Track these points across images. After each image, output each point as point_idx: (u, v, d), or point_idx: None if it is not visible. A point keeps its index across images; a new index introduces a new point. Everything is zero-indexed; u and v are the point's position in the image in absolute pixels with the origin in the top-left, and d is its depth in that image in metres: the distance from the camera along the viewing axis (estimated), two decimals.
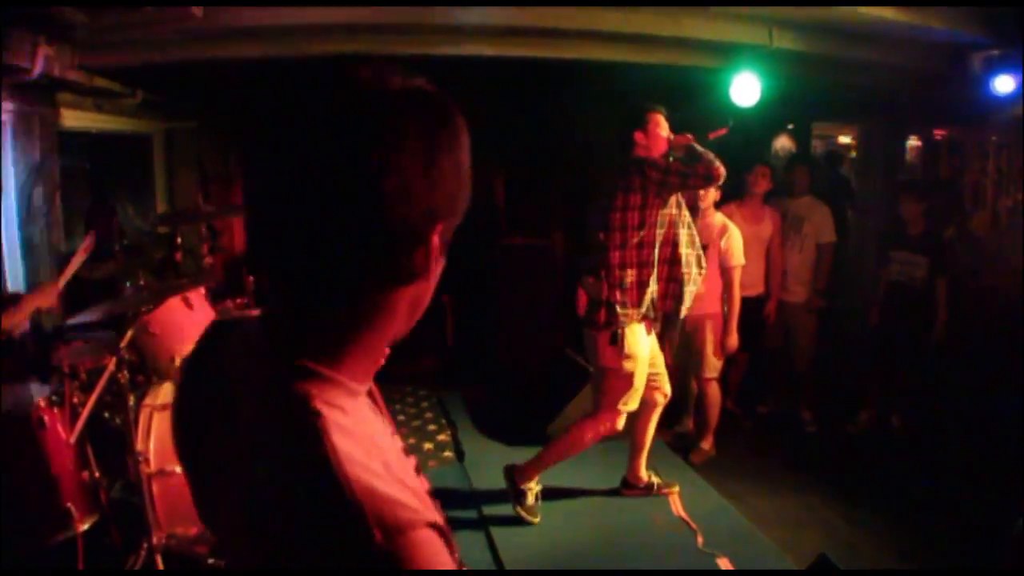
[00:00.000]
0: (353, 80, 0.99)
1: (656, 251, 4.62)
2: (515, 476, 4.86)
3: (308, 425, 0.95)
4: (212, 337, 1.20)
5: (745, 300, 6.00)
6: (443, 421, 6.67)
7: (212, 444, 1.11)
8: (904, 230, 6.31)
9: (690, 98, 6.68)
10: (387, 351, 1.10)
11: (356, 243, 0.97)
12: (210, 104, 7.67)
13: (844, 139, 11.00)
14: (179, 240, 5.00)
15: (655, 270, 4.64)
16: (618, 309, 4.59)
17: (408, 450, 1.12)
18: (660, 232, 4.61)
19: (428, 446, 6.18)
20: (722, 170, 4.55)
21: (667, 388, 5.07)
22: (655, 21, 5.36)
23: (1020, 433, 5.20)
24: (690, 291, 4.76)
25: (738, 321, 5.73)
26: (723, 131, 4.85)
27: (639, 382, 4.74)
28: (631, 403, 4.78)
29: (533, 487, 4.87)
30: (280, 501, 0.96)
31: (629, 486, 5.28)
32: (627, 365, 4.66)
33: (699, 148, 4.61)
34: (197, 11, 4.56)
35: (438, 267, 1.07)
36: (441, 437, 6.35)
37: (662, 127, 4.72)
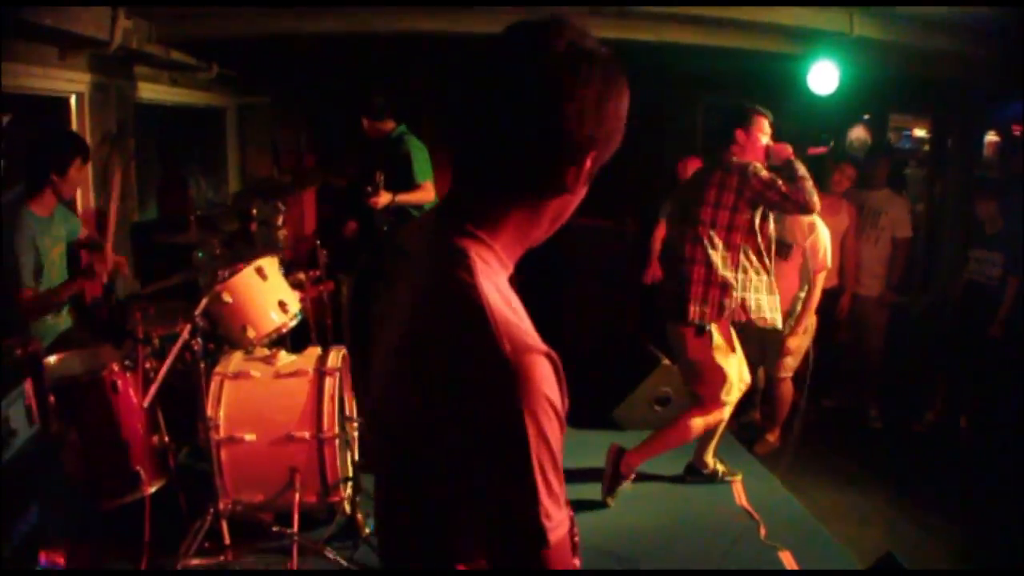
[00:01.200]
0: (561, 33, 1.22)
1: (741, 255, 4.54)
2: (620, 463, 4.81)
3: (462, 265, 1.22)
4: (390, 234, 1.58)
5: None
6: None
7: (389, 289, 1.41)
8: (981, 228, 6.16)
9: (767, 87, 6.59)
10: (529, 245, 1.37)
11: (534, 149, 1.23)
12: (283, 81, 7.73)
13: (920, 132, 10.75)
14: (255, 211, 5.04)
15: (735, 274, 4.54)
16: (701, 307, 4.54)
17: None
18: (747, 236, 4.53)
19: None
20: (818, 205, 4.47)
21: (747, 376, 4.95)
22: (735, 7, 5.28)
23: None
24: (757, 299, 4.63)
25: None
26: (824, 149, 4.77)
27: (732, 373, 4.69)
28: (732, 394, 4.75)
29: (630, 480, 4.85)
30: (436, 319, 1.21)
31: (694, 472, 5.22)
32: (717, 356, 4.62)
33: (799, 168, 4.50)
34: None
35: (583, 189, 1.33)
36: None
37: (764, 132, 4.65)
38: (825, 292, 5.97)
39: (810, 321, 5.60)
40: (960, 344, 6.25)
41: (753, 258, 4.56)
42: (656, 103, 7.74)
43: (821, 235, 5.45)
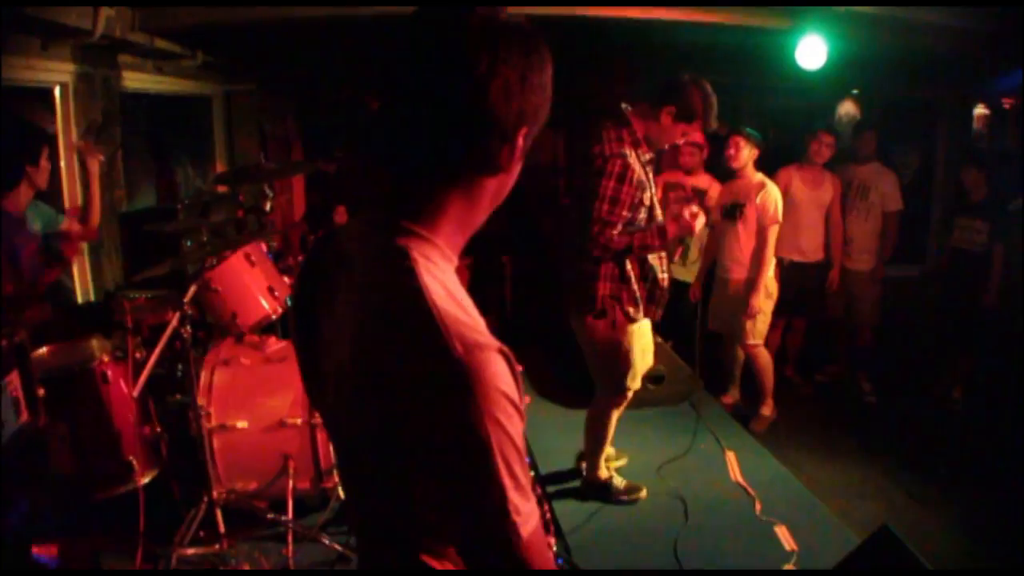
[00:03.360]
0: (473, 11, 1.22)
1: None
2: (588, 477, 4.72)
3: (405, 266, 1.20)
4: (328, 232, 1.48)
5: (804, 266, 5.94)
6: None
7: (328, 299, 1.36)
8: (967, 197, 6.23)
9: (753, 61, 6.57)
10: (470, 232, 1.35)
11: (463, 132, 1.23)
12: (268, 67, 7.69)
13: None
14: (242, 198, 5.01)
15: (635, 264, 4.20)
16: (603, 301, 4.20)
17: None
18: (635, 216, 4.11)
19: None
20: (598, 253, 4.05)
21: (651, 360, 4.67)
22: None
23: None
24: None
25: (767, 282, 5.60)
26: None
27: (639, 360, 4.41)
28: (636, 381, 4.49)
29: (610, 472, 4.74)
30: (381, 324, 1.20)
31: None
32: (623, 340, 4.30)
33: (664, 241, 4.11)
34: None
35: (518, 166, 1.33)
36: None
37: (688, 133, 4.23)
38: (811, 266, 6.01)
39: (772, 285, 5.63)
40: (951, 313, 6.30)
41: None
42: (644, 81, 7.72)
43: (771, 191, 5.51)
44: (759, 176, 5.61)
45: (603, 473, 4.72)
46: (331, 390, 1.36)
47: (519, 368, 1.19)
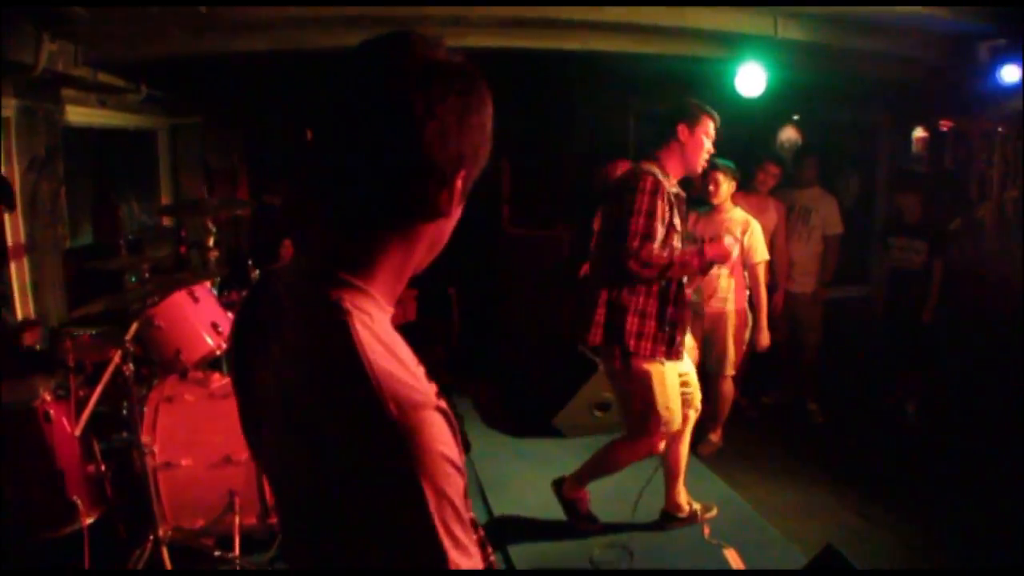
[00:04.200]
0: (409, 50, 1.18)
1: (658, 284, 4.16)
2: (563, 490, 4.66)
3: (338, 320, 1.15)
4: (263, 277, 1.42)
5: (750, 290, 6.01)
6: None
7: (263, 348, 1.29)
8: (902, 218, 6.39)
9: (694, 89, 6.67)
10: (408, 278, 1.31)
11: (398, 177, 1.18)
12: (214, 100, 7.66)
13: None
14: (184, 234, 4.99)
15: (657, 304, 4.16)
16: (632, 340, 4.14)
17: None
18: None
19: None
20: (645, 281, 4.07)
21: (698, 402, 4.65)
22: (660, 12, 5.35)
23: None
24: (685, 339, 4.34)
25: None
26: None
27: (671, 403, 4.27)
28: (671, 425, 4.29)
29: (584, 497, 4.67)
30: (313, 382, 1.15)
31: (670, 518, 4.76)
32: (655, 388, 4.20)
33: (703, 262, 4.10)
34: (203, 10, 4.55)
35: (458, 210, 1.28)
36: None
37: (709, 135, 4.22)
38: None
39: (748, 315, 5.72)
40: (895, 330, 6.42)
41: (672, 288, 4.18)
42: (587, 111, 7.81)
43: (756, 230, 5.59)
44: (739, 212, 5.67)
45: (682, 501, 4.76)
46: (265, 439, 1.32)
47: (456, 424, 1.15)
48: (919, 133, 8.81)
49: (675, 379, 4.31)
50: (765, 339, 5.71)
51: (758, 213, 6.10)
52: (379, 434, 1.06)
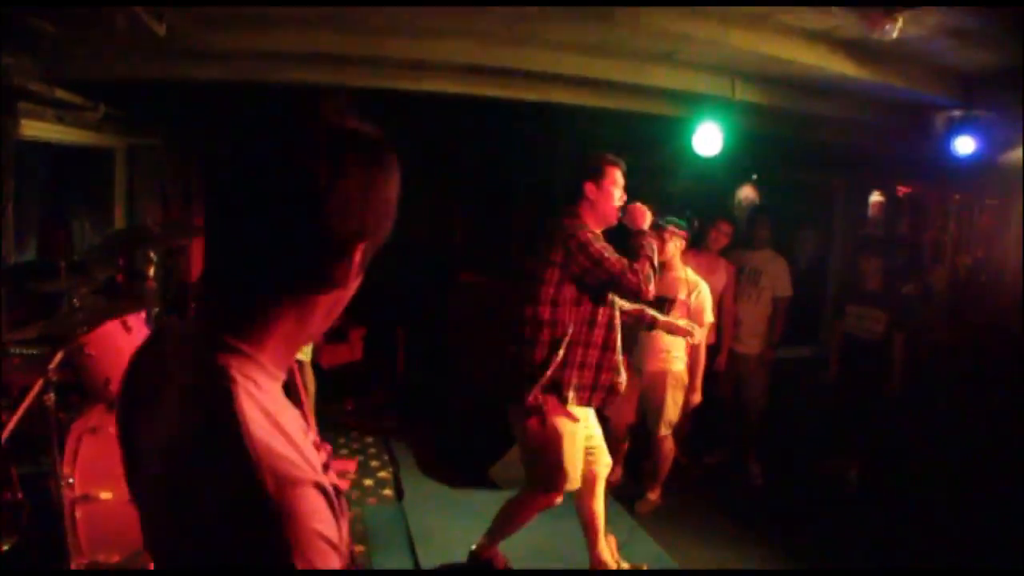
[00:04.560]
0: (318, 120, 1.19)
1: (591, 331, 4.16)
2: (480, 557, 4.56)
3: (221, 388, 1.12)
4: (157, 330, 1.42)
5: (695, 348, 6.01)
6: (385, 458, 6.55)
7: (147, 414, 1.26)
8: (862, 285, 6.38)
9: (653, 146, 6.73)
10: (302, 344, 1.30)
11: (295, 249, 1.17)
12: (173, 123, 7.61)
13: None
14: (121, 262, 4.92)
15: (586, 353, 4.17)
16: (540, 391, 4.10)
17: (322, 448, 1.25)
18: (596, 310, 4.16)
19: (368, 483, 6.05)
20: (650, 294, 4.08)
21: (607, 458, 4.58)
22: (618, 68, 5.40)
23: (976, 487, 5.24)
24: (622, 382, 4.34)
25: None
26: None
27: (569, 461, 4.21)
28: (569, 483, 4.25)
29: (499, 555, 4.59)
30: (193, 448, 1.12)
31: None
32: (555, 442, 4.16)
33: (646, 246, 4.15)
34: (160, 29, 4.52)
35: (356, 281, 1.27)
36: (382, 474, 6.23)
37: (617, 184, 4.21)
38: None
39: (686, 376, 5.70)
40: (847, 398, 6.43)
41: (602, 335, 4.20)
42: (544, 163, 7.85)
43: (704, 291, 5.60)
44: (688, 271, 5.64)
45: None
46: (143, 491, 1.29)
47: (343, 512, 1.14)
48: (876, 197, 8.95)
49: (582, 437, 4.30)
50: (697, 397, 5.74)
51: (708, 273, 6.11)
52: (256, 510, 1.03)
